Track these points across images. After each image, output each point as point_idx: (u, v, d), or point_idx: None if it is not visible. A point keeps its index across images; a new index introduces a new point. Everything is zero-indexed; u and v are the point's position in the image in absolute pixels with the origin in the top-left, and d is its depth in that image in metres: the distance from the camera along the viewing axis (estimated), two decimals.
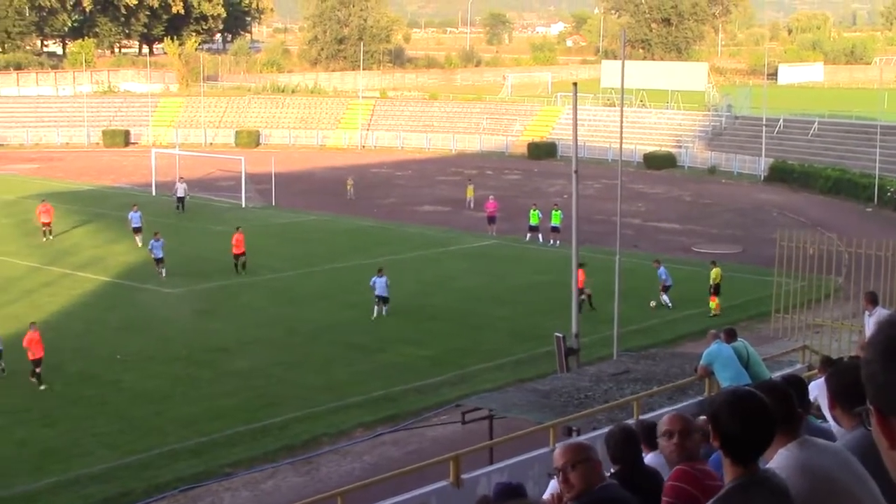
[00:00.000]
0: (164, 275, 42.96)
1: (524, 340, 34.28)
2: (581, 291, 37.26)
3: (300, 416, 27.35)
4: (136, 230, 49.79)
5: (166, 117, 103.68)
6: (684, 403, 16.91)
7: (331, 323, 36.83)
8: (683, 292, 39.04)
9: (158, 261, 43.42)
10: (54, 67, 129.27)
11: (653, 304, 38.86)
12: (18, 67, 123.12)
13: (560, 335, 26.05)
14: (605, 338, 30.60)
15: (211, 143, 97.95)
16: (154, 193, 66.71)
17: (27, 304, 38.90)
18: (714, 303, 38.07)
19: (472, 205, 61.45)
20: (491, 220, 54.38)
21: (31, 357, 29.43)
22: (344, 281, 43.34)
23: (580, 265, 37.79)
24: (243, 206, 62.69)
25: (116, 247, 49.97)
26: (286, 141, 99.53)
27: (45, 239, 50.47)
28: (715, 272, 38.38)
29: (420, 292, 41.33)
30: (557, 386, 21.62)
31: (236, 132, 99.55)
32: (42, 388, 29.21)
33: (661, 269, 39.37)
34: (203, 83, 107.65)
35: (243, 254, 44.19)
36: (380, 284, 37.05)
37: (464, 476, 13.55)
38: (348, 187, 65.92)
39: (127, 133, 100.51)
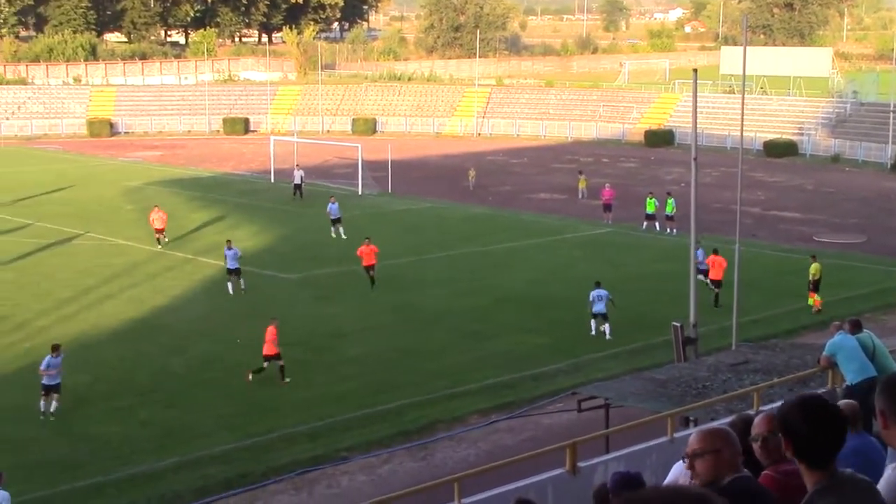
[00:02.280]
0: (242, 286, 39.25)
1: (639, 329, 33.92)
2: (717, 283, 36.58)
3: (416, 402, 27.49)
4: (335, 221, 49.98)
5: (284, 105, 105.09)
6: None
7: (446, 310, 36.94)
8: (804, 283, 38.15)
9: (232, 271, 39.59)
10: (177, 57, 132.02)
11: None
12: (143, 57, 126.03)
13: (678, 324, 25.72)
14: (723, 328, 30.11)
15: (328, 131, 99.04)
16: (272, 180, 67.69)
17: (150, 287, 39.83)
18: (812, 299, 36.35)
19: (584, 195, 60.95)
20: (607, 207, 53.94)
21: (265, 353, 29.16)
22: (459, 268, 43.44)
23: (714, 251, 37.23)
24: (359, 193, 63.23)
25: (236, 233, 50.76)
26: (402, 128, 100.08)
27: (159, 247, 46.86)
28: (814, 267, 36.58)
29: (535, 280, 41.22)
30: (675, 375, 21.35)
31: (353, 120, 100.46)
32: (286, 381, 29.03)
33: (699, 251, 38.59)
34: (320, 71, 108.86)
35: (372, 266, 39.96)
36: (598, 299, 33.52)
37: (580, 464, 13.45)
38: (470, 177, 65.15)
39: (246, 121, 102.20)
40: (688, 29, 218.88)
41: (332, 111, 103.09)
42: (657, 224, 51.24)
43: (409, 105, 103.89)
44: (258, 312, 36.60)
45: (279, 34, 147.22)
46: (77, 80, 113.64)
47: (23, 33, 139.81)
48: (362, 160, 65.30)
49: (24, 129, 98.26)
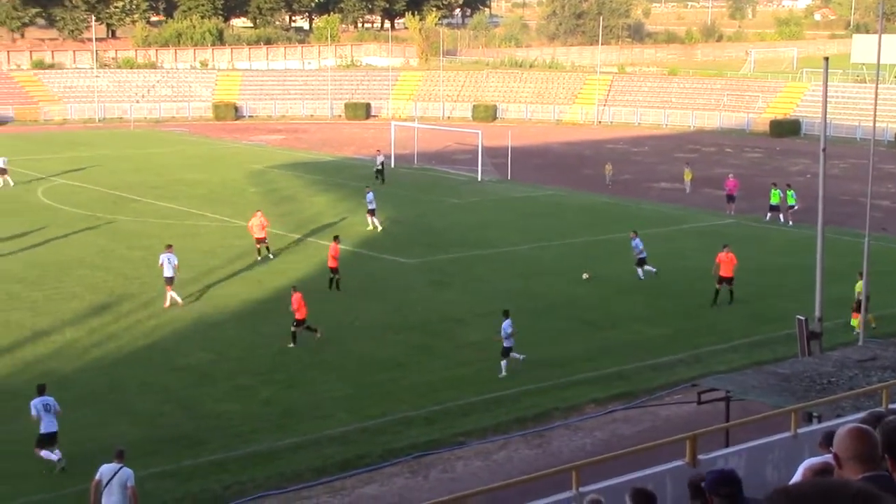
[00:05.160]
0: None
1: (761, 322, 33.36)
2: (728, 280, 35.48)
3: (532, 390, 27.44)
4: (371, 212, 48.98)
5: (406, 91, 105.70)
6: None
7: (563, 298, 36.78)
8: None
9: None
10: (301, 42, 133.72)
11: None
12: (268, 42, 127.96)
13: (802, 318, 25.20)
14: (849, 324, 29.43)
15: (448, 117, 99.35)
16: (393, 165, 68.17)
17: (269, 269, 40.45)
18: (855, 320, 30.87)
19: (689, 188, 59.59)
20: (730, 198, 53.05)
21: (298, 317, 31.12)
22: (577, 257, 43.20)
23: (724, 246, 36.29)
24: (479, 179, 63.29)
25: (356, 217, 51.29)
26: (522, 115, 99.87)
27: (258, 258, 42.13)
28: (859, 285, 30.89)
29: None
30: (798, 370, 20.94)
31: (473, 106, 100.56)
32: (290, 346, 30.65)
33: (637, 241, 38.82)
34: (442, 57, 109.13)
35: (334, 269, 37.55)
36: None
37: (700, 457, 13.28)
38: (607, 172, 63.43)
39: (368, 106, 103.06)
40: (817, 17, 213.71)
41: (452, 97, 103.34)
42: (781, 216, 50.27)
43: (529, 92, 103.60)
44: (376, 295, 36.97)
45: (401, 20, 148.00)
46: (204, 64, 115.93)
47: (153, 19, 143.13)
48: (482, 146, 65.35)
49: (153, 112, 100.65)
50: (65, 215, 51.30)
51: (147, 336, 31.81)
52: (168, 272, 35.44)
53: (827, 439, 9.25)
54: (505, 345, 28.54)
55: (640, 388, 27.71)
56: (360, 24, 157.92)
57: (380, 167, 62.20)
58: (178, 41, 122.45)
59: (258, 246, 42.49)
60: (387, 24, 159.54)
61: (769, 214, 50.76)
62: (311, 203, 55.23)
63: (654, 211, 53.93)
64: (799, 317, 25.40)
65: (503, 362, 28.37)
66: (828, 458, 6.89)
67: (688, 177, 60.33)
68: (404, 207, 54.65)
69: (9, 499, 20.90)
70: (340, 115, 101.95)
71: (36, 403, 22.86)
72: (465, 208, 54.08)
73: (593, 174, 65.56)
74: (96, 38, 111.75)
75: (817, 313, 26.09)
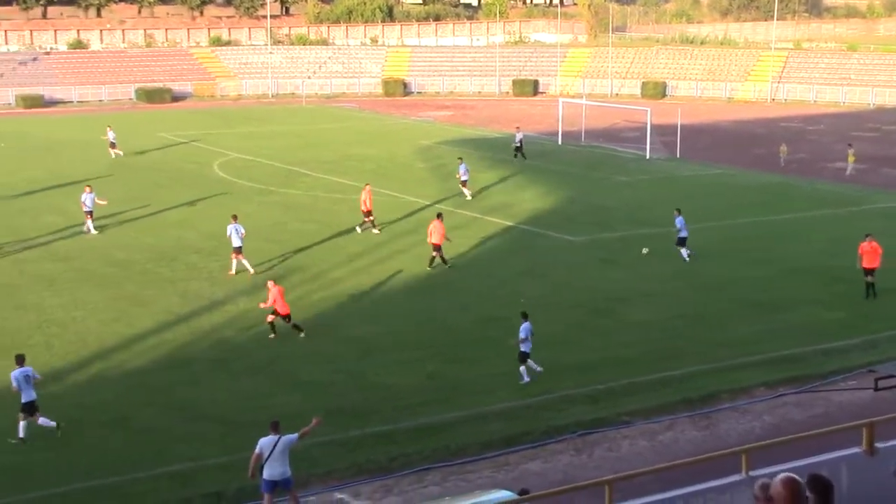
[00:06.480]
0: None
1: None
2: (870, 272, 33.50)
3: (699, 371, 27.01)
4: (463, 183, 50.14)
5: (574, 67, 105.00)
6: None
7: (733, 278, 36.05)
8: None
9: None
10: (470, 18, 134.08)
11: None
12: (437, 19, 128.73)
13: None
14: None
15: (617, 94, 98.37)
16: (560, 142, 67.86)
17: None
18: None
19: (852, 171, 57.30)
20: None
21: (280, 312, 29.47)
22: (746, 237, 42.27)
23: (867, 235, 34.15)
24: (647, 157, 62.50)
25: (523, 193, 51.29)
26: (693, 93, 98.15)
27: (358, 230, 42.54)
28: None
29: (827, 252, 39.60)
30: None
31: (642, 83, 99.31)
32: (302, 335, 29.54)
33: (679, 219, 38.19)
34: (611, 34, 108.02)
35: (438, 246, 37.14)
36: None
37: (878, 445, 12.82)
38: (781, 153, 61.59)
39: (535, 82, 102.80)
40: None
41: (621, 74, 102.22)
42: None
43: (700, 69, 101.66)
44: (542, 272, 36.91)
45: None
46: (374, 40, 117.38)
47: None
48: (651, 124, 64.48)
49: (323, 88, 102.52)
50: (239, 188, 52.75)
51: (315, 308, 32.46)
52: (236, 242, 36.26)
53: None
54: (522, 349, 26.43)
55: (812, 373, 26.96)
56: (528, 1, 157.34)
57: (518, 144, 61.96)
58: (349, 18, 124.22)
59: (364, 220, 42.54)
60: (555, 0, 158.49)
61: None
62: (479, 179, 55.42)
63: (830, 191, 52.36)
64: None
65: (522, 368, 26.28)
66: None
67: (851, 159, 58.01)
68: (572, 185, 54.34)
69: (191, 459, 21.66)
70: (508, 92, 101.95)
71: (17, 375, 22.90)
72: (632, 186, 53.45)
73: (765, 153, 64.01)
74: (271, 16, 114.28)
75: None
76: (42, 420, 22.84)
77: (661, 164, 60.78)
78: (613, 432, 23.27)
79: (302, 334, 29.59)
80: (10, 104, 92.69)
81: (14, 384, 22.89)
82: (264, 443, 18.92)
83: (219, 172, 57.80)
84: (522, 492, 16.10)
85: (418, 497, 19.94)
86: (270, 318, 29.71)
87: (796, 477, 7.65)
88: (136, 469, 21.26)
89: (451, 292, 34.31)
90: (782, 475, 7.60)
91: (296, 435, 19.06)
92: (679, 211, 38.81)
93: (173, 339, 29.37)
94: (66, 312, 31.94)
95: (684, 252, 38.17)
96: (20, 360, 23.33)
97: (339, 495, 20.36)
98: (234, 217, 37.23)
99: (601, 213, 46.96)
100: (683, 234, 38.29)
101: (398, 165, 60.65)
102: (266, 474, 18.81)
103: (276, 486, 18.90)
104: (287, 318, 29.75)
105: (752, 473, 12.20)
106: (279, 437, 18.89)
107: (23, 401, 22.82)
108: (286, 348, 28.79)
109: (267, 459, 18.77)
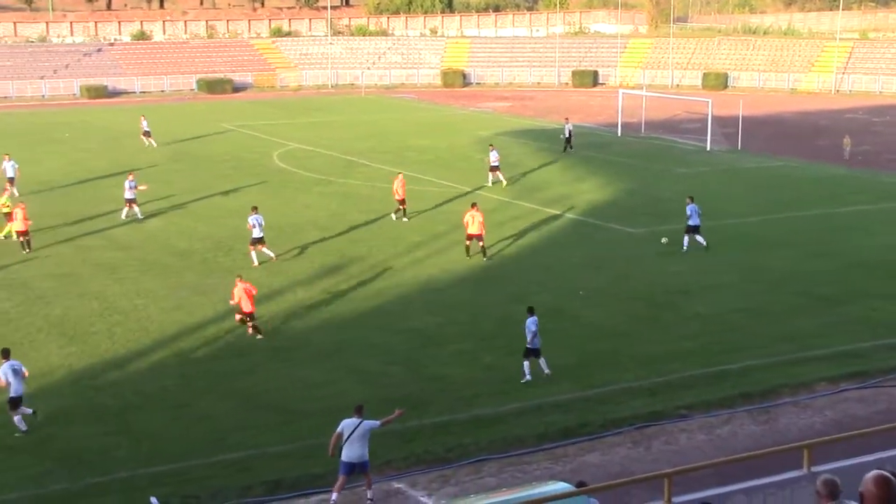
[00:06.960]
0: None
1: None
2: None
3: (759, 365, 26.70)
4: (494, 168, 50.55)
5: (634, 58, 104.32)
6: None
7: (794, 272, 35.62)
8: None
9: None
10: (530, 9, 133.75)
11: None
12: (496, 9, 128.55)
13: None
14: None
15: (677, 85, 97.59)
16: (619, 134, 67.46)
17: (496, 236, 40.55)
18: None
19: (847, 154, 56.26)
20: None
21: (245, 310, 28.96)
22: (809, 229, 41.76)
23: None
24: (708, 149, 61.95)
25: (582, 185, 51.06)
26: (755, 84, 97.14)
27: (393, 217, 43.36)
28: None
29: (891, 246, 39.09)
30: None
31: (703, 74, 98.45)
32: (259, 338, 28.87)
33: (691, 207, 37.76)
34: (672, 24, 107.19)
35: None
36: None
37: None
38: (845, 145, 60.78)
39: (595, 73, 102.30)
40: None
41: (682, 65, 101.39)
42: None
43: (763, 60, 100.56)
44: (600, 265, 36.71)
45: None
46: (433, 31, 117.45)
47: None
48: (712, 115, 63.89)
49: (383, 79, 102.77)
50: (299, 178, 53.02)
51: (373, 298, 32.54)
52: (257, 233, 36.42)
53: None
54: (528, 346, 25.55)
55: (876, 368, 26.54)
56: None
57: (567, 135, 61.61)
58: (409, 8, 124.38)
59: (398, 208, 43.37)
60: None
61: None
62: (538, 171, 55.26)
63: (894, 184, 51.56)
64: None
65: (525, 364, 25.44)
66: None
67: (847, 144, 57.97)
68: (631, 177, 54.00)
69: (249, 447, 21.81)
70: (567, 83, 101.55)
71: (5, 368, 22.54)
72: (693, 178, 52.99)
73: (829, 145, 63.18)
74: (331, 6, 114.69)
75: None
76: (20, 412, 22.59)
77: (722, 156, 60.20)
78: (672, 425, 23.07)
79: (259, 336, 28.76)
80: (74, 94, 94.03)
81: (3, 378, 22.53)
82: (346, 424, 19.13)
83: (278, 163, 58.14)
84: (580, 484, 16.03)
85: (475, 487, 19.91)
86: (238, 317, 29.28)
87: (888, 474, 7.33)
88: (195, 456, 21.45)
89: (507, 284, 34.21)
90: (874, 472, 7.27)
91: (378, 422, 19.32)
92: (692, 199, 38.48)
93: (232, 328, 29.58)
94: (128, 300, 32.32)
95: (700, 238, 37.99)
96: (6, 353, 22.94)
97: (396, 485, 20.40)
98: (255, 208, 37.37)
99: (661, 205, 46.58)
100: (693, 221, 38.00)
101: (457, 156, 60.62)
102: (345, 456, 19.02)
103: (353, 469, 19.12)
104: (250, 316, 29.01)
105: (814, 469, 12.06)
106: (361, 421, 19.09)
107: (10, 395, 22.43)
108: (344, 337, 28.89)
109: (346, 441, 18.96)
